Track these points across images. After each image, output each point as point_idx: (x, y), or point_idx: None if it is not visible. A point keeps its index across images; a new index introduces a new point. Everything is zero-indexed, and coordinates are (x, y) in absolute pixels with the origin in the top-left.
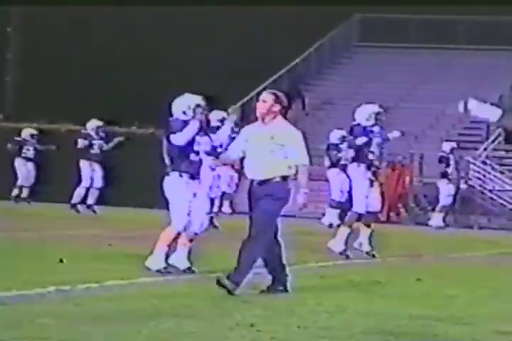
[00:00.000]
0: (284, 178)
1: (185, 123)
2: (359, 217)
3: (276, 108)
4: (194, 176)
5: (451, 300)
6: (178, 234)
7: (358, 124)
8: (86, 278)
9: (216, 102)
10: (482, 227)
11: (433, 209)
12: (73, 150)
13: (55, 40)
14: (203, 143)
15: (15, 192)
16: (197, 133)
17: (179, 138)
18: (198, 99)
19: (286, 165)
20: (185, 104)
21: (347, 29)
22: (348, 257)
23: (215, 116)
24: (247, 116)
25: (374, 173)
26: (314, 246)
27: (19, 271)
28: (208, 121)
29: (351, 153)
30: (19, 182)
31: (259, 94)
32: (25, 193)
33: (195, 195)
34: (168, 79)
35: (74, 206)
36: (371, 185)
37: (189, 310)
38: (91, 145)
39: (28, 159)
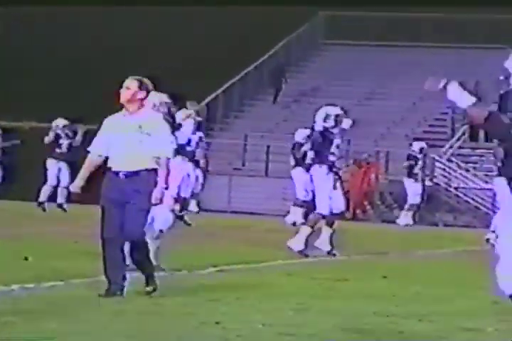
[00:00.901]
0: (154, 171)
1: None
2: (322, 218)
3: (142, 95)
4: None
5: (416, 297)
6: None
7: (317, 124)
8: (51, 276)
9: (181, 100)
10: (447, 225)
11: (400, 207)
12: (38, 147)
13: (19, 38)
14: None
15: None
16: None
17: None
18: (163, 97)
19: (153, 156)
20: (150, 102)
21: (313, 27)
22: (306, 256)
23: (182, 114)
24: (213, 115)
25: (336, 174)
26: (282, 244)
27: None
28: (173, 119)
29: (312, 154)
30: None
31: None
32: None
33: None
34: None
35: (40, 204)
36: (334, 186)
37: (154, 308)
38: (58, 145)
39: None
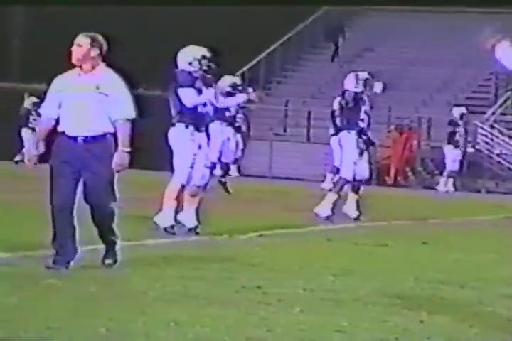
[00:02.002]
0: (115, 134)
1: (191, 75)
2: (346, 183)
3: (95, 52)
4: (200, 128)
5: (457, 263)
6: (183, 187)
7: (347, 90)
8: (93, 240)
9: (221, 56)
10: (490, 191)
11: (440, 174)
12: None
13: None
14: (212, 96)
15: (18, 157)
16: (203, 85)
17: (189, 101)
18: (203, 51)
19: (114, 118)
20: (190, 55)
21: None
22: (332, 222)
23: (226, 81)
24: (255, 80)
25: (364, 141)
26: None
27: (22, 232)
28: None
29: (340, 120)
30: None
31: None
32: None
33: (200, 147)
34: (173, 45)
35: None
36: (361, 152)
37: (195, 273)
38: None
39: (33, 129)
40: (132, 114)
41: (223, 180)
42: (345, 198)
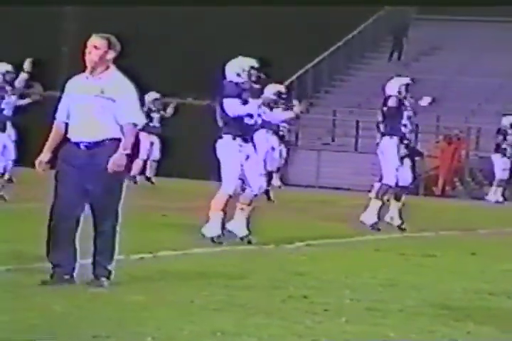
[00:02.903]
0: (120, 141)
1: (238, 86)
2: (389, 189)
3: (111, 55)
4: (247, 139)
5: (505, 274)
6: (230, 198)
7: (390, 96)
8: (139, 249)
9: (270, 67)
10: None
11: (490, 184)
12: None
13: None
14: (255, 106)
15: None
16: (251, 96)
17: (232, 110)
18: (252, 62)
19: (119, 124)
20: (238, 67)
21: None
22: (379, 230)
23: (271, 89)
24: (303, 90)
25: (407, 146)
26: None
27: None
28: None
29: (383, 126)
30: None
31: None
32: None
33: (247, 157)
34: (224, 54)
35: (133, 178)
36: (403, 158)
37: (242, 282)
38: (150, 119)
39: None
40: (140, 119)
41: (267, 187)
42: (388, 207)
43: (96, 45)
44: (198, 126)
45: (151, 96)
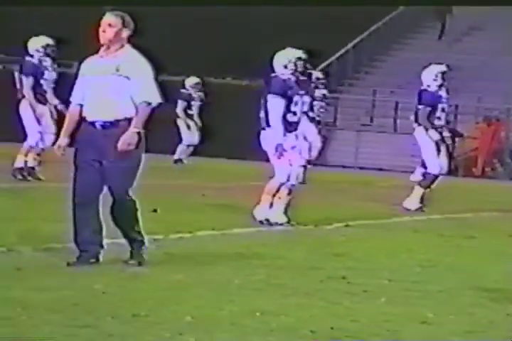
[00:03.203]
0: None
1: (285, 83)
2: (435, 178)
3: (126, 33)
4: (291, 131)
5: None
6: (281, 185)
7: (425, 90)
8: (179, 228)
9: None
10: None
11: None
12: (166, 103)
13: None
14: (301, 103)
15: None
16: (296, 93)
17: (277, 111)
18: (299, 53)
19: (135, 102)
20: (285, 58)
21: None
22: (423, 211)
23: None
24: (343, 70)
25: (441, 135)
26: None
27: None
28: (310, 77)
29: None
30: None
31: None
32: None
33: (292, 147)
34: (262, 32)
35: (177, 161)
36: (439, 147)
37: (280, 262)
38: (189, 106)
39: None
40: (156, 97)
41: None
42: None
43: (110, 23)
44: (236, 107)
45: (191, 80)
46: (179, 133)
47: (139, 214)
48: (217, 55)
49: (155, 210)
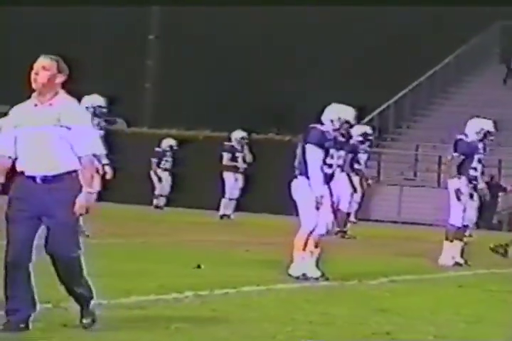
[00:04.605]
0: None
1: (324, 135)
2: (457, 230)
3: (60, 79)
4: (325, 182)
5: None
6: (308, 237)
7: (461, 139)
8: (224, 284)
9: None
10: None
11: None
12: (211, 157)
13: (192, 47)
14: (337, 157)
15: (155, 202)
16: (333, 146)
17: (314, 161)
18: (351, 116)
19: (78, 154)
20: (337, 114)
21: (488, 37)
22: (460, 265)
23: (358, 130)
24: (385, 125)
25: (474, 187)
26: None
27: (156, 275)
28: (350, 136)
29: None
30: (157, 192)
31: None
32: (162, 201)
33: (322, 197)
34: (304, 89)
35: (223, 217)
36: (471, 198)
37: (324, 318)
38: (234, 159)
39: (165, 169)
40: (99, 148)
41: (344, 228)
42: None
43: (44, 66)
44: (278, 161)
45: (237, 134)
46: (223, 187)
47: (84, 270)
48: (262, 110)
49: (199, 266)
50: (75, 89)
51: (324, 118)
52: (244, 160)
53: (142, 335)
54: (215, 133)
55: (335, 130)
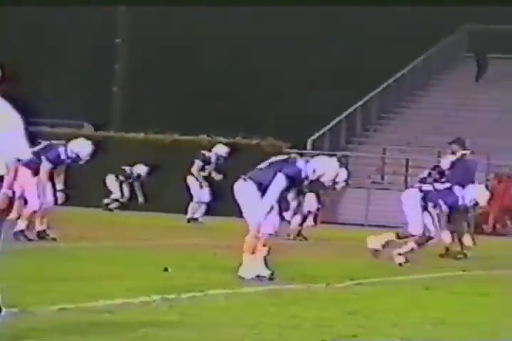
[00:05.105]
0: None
1: (300, 173)
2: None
3: None
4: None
5: None
6: (257, 239)
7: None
8: (191, 287)
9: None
10: None
11: None
12: (178, 161)
13: (161, 52)
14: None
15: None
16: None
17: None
18: (341, 176)
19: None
20: (324, 170)
21: (455, 40)
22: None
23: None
24: (352, 128)
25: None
26: (420, 257)
27: (123, 279)
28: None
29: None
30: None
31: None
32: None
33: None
34: (272, 90)
35: (190, 220)
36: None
37: (292, 320)
38: (203, 168)
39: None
40: (24, 153)
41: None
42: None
43: None
44: (246, 164)
45: (219, 149)
46: (189, 191)
47: None
48: (228, 113)
49: (166, 269)
50: (38, 92)
51: (310, 164)
52: (209, 174)
53: (110, 340)
54: (183, 137)
55: (307, 178)
